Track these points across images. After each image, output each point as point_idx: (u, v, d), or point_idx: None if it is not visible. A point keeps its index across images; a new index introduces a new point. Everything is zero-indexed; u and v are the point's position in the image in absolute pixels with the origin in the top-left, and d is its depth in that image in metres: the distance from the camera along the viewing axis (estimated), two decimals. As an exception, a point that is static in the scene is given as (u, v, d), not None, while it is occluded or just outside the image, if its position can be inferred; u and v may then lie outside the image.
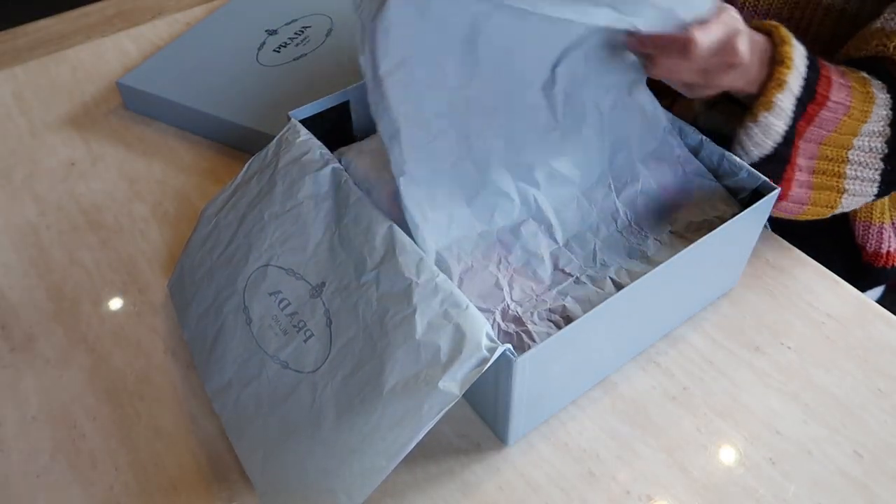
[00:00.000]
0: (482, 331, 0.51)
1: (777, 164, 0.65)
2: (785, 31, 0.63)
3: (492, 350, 0.51)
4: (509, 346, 0.51)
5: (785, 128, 0.64)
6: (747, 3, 0.80)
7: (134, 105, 0.99)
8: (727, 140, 0.69)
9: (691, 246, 0.60)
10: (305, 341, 0.58)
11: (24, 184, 0.90)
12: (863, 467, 0.61)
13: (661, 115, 0.70)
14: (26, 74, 1.07)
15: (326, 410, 0.55)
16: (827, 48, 0.76)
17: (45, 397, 0.68)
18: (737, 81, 0.63)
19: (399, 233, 0.58)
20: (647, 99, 0.68)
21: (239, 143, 0.92)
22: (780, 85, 0.62)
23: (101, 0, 1.23)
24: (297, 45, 1.02)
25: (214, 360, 0.63)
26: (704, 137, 0.71)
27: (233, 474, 0.62)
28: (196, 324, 0.66)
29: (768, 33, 0.64)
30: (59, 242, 0.82)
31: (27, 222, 0.85)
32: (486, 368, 0.50)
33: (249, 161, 0.70)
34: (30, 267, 0.80)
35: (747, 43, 0.59)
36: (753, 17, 0.80)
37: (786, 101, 0.63)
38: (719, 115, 0.78)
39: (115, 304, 0.76)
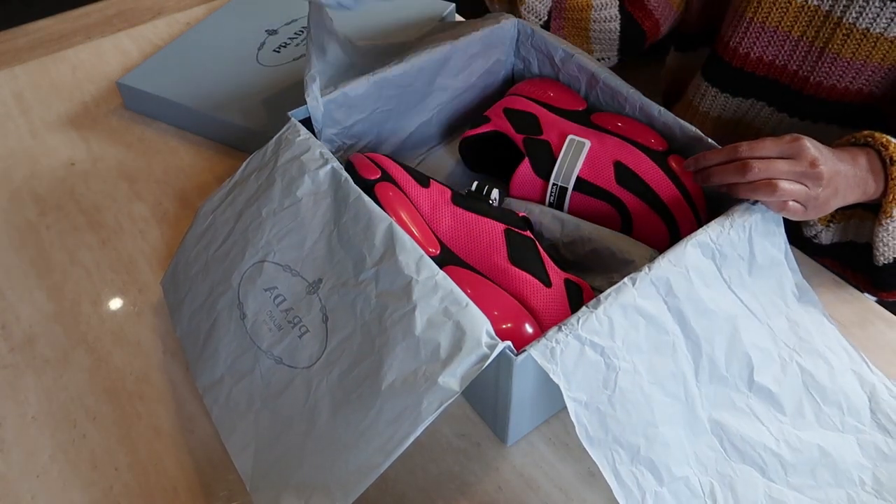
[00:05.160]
0: (482, 328, 0.51)
1: None
2: (882, 135, 0.65)
3: (492, 347, 0.50)
4: (509, 343, 0.51)
5: None
6: (755, 21, 0.79)
7: (134, 105, 0.99)
8: (860, 248, 0.73)
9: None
10: (300, 337, 0.58)
11: (24, 184, 0.90)
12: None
13: None
14: (26, 74, 1.07)
15: (321, 406, 0.55)
16: (850, 70, 0.76)
17: (45, 397, 0.68)
18: (855, 198, 0.65)
19: (399, 231, 0.58)
20: None
21: (239, 143, 0.92)
22: None
23: (101, 0, 1.23)
24: (297, 45, 1.02)
25: (207, 355, 0.63)
26: (703, 136, 0.71)
27: (232, 474, 0.62)
28: (189, 319, 0.66)
29: (866, 144, 0.66)
30: (59, 242, 0.82)
31: (27, 222, 0.85)
32: (486, 365, 0.50)
33: (248, 159, 0.70)
34: (30, 267, 0.80)
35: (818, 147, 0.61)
36: (761, 35, 0.79)
37: None
38: (848, 227, 0.78)
39: (115, 304, 0.76)
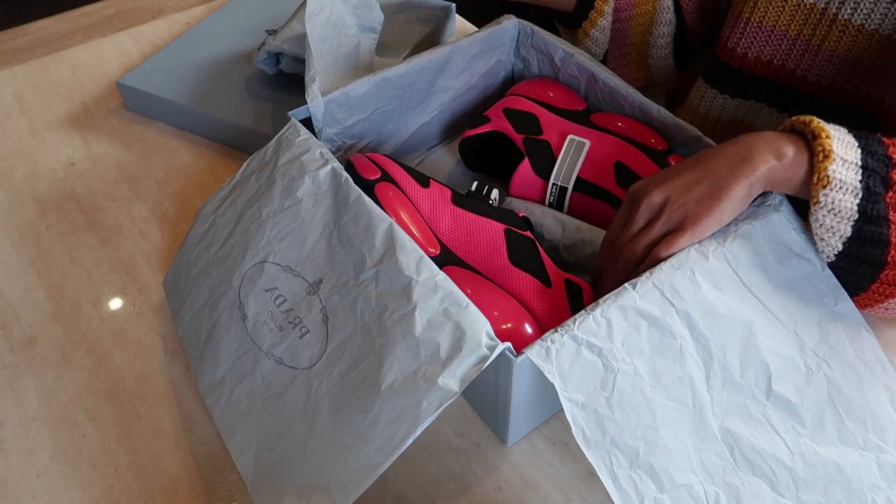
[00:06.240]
0: (482, 329, 0.51)
1: (870, 248, 0.58)
2: (806, 117, 0.59)
3: (492, 348, 0.50)
4: (509, 344, 0.51)
5: (857, 201, 0.57)
6: (752, 21, 0.79)
7: (134, 105, 0.99)
8: None
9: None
10: (301, 338, 0.58)
11: (24, 184, 0.90)
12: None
13: None
14: (26, 74, 1.07)
15: (322, 407, 0.55)
16: (846, 67, 0.76)
17: (45, 397, 0.68)
18: (780, 187, 0.59)
19: (399, 231, 0.58)
20: None
21: (239, 143, 0.92)
22: (828, 156, 0.56)
23: (101, 0, 1.23)
24: (297, 45, 1.02)
25: (208, 356, 0.63)
26: (703, 136, 0.71)
27: (232, 474, 0.62)
28: (190, 320, 0.66)
29: (797, 131, 0.60)
30: (59, 242, 0.82)
31: (27, 222, 0.85)
32: (486, 366, 0.50)
33: (248, 159, 0.70)
34: (30, 267, 0.80)
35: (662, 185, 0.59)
36: (758, 34, 0.80)
37: (842, 171, 0.56)
38: None
39: (115, 304, 0.76)
